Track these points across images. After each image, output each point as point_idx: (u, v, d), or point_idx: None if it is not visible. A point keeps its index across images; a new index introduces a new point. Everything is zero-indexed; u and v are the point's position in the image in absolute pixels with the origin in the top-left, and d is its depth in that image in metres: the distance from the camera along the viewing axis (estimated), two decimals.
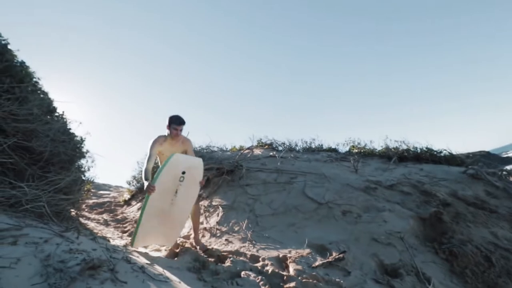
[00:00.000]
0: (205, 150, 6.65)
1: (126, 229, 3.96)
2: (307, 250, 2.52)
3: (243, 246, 2.73)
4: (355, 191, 3.37)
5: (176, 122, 2.47)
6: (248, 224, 3.22)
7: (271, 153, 5.20)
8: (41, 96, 2.97)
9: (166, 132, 2.57)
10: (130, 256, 1.99)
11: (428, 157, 4.08)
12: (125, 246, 2.56)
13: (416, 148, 4.34)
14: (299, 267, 2.22)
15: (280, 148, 6.06)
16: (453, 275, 2.11)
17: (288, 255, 2.44)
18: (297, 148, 6.08)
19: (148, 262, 2.01)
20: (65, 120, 3.25)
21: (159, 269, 1.83)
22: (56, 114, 3.16)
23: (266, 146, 6.31)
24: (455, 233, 2.40)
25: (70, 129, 3.27)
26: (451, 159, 3.93)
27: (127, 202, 6.68)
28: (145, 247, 2.81)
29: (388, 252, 2.40)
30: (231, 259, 2.39)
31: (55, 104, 3.15)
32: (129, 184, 7.27)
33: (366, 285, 2.03)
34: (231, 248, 2.72)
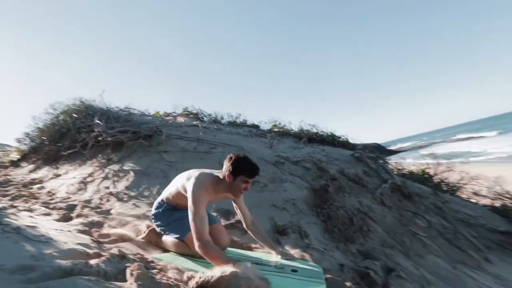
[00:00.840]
0: (123, 112, 6.02)
1: (8, 193, 3.36)
2: (214, 214, 2.71)
3: (150, 210, 2.71)
4: (267, 164, 3.72)
5: (250, 172, 1.60)
6: (160, 189, 3.18)
7: (195, 123, 5.13)
8: None
9: (216, 171, 1.71)
10: (5, 218, 1.74)
11: (330, 140, 4.82)
12: (2, 209, 2.20)
13: (323, 132, 5.05)
14: None
15: (206, 119, 6.02)
16: (326, 233, 2.65)
17: None
18: (222, 121, 6.17)
19: (30, 224, 1.80)
20: None
21: (41, 230, 1.67)
22: None
23: (191, 116, 6.17)
24: (334, 201, 2.97)
25: None
26: (346, 144, 4.76)
27: (15, 164, 5.61)
28: (31, 210, 2.49)
29: (282, 216, 2.80)
30: (134, 222, 2.37)
31: None
32: (20, 142, 6.07)
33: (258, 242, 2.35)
34: (137, 212, 2.67)
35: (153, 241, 1.93)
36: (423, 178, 4.62)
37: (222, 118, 6.33)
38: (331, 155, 4.14)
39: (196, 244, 1.42)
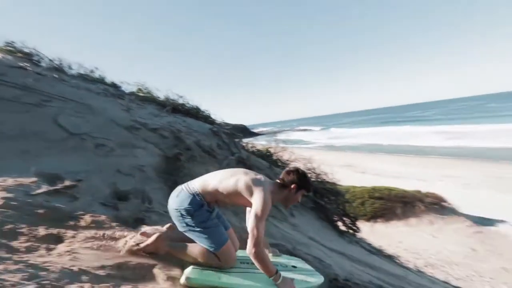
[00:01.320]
0: None
1: None
2: (33, 179, 2.27)
3: None
4: (118, 128, 3.43)
5: (311, 188, 1.77)
6: None
7: (22, 64, 3.90)
8: None
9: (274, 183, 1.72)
10: None
11: (194, 113, 5.00)
12: None
13: (189, 105, 5.15)
14: (10, 195, 1.96)
15: (44, 65, 4.68)
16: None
17: (1, 184, 2.07)
18: (71, 72, 5.01)
19: None
20: None
21: None
22: None
23: (20, 55, 4.61)
24: (184, 169, 3.19)
25: None
26: (208, 119, 5.10)
27: None
28: None
29: (126, 181, 2.73)
30: None
31: None
32: None
33: (91, 208, 2.20)
34: None
35: (162, 250, 1.64)
36: (265, 155, 5.69)
37: (70, 67, 5.13)
38: (191, 127, 4.33)
39: (253, 249, 1.46)
